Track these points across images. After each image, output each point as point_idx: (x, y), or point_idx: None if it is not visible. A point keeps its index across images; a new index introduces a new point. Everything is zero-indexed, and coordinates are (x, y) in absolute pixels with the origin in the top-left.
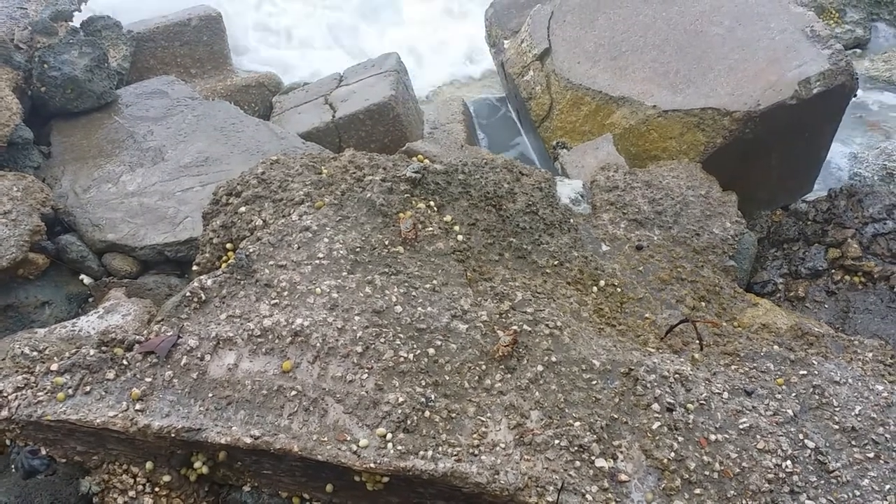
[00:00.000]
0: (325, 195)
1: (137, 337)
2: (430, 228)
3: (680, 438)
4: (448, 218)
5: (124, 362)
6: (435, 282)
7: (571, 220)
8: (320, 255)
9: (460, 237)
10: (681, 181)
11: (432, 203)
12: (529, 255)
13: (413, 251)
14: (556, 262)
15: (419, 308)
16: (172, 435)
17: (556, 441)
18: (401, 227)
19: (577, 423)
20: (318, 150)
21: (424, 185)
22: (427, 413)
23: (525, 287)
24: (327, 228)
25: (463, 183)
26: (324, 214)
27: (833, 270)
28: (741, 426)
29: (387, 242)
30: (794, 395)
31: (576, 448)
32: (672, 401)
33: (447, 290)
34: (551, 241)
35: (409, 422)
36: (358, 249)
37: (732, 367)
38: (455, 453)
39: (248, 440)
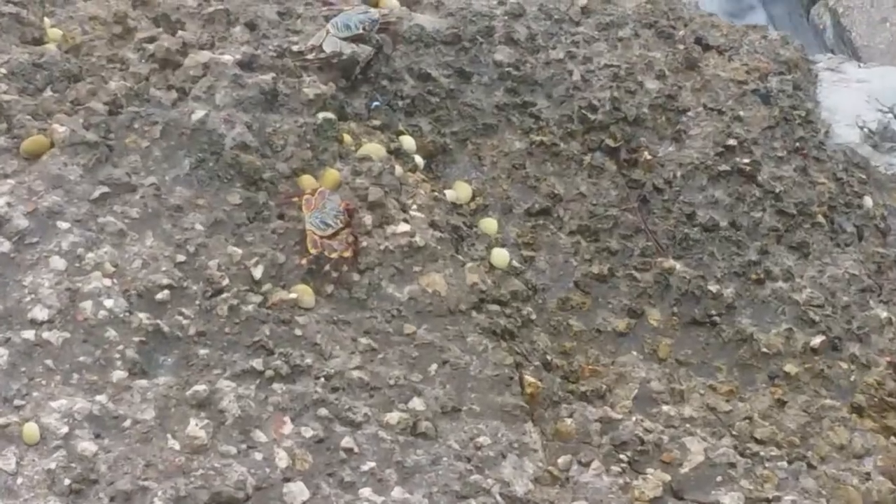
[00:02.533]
0: (58, 112)
1: None
2: (403, 227)
3: None
4: (462, 191)
5: None
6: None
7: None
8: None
9: (512, 262)
10: None
11: (405, 141)
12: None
13: (341, 304)
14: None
15: None
16: None
17: None
18: (306, 225)
19: None
20: None
21: (381, 84)
22: None
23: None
24: (59, 225)
25: (525, 80)
26: (50, 176)
27: None
28: None
29: (258, 274)
30: None
31: None
32: None
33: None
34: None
35: None
36: (161, 297)
37: None
38: None
39: None
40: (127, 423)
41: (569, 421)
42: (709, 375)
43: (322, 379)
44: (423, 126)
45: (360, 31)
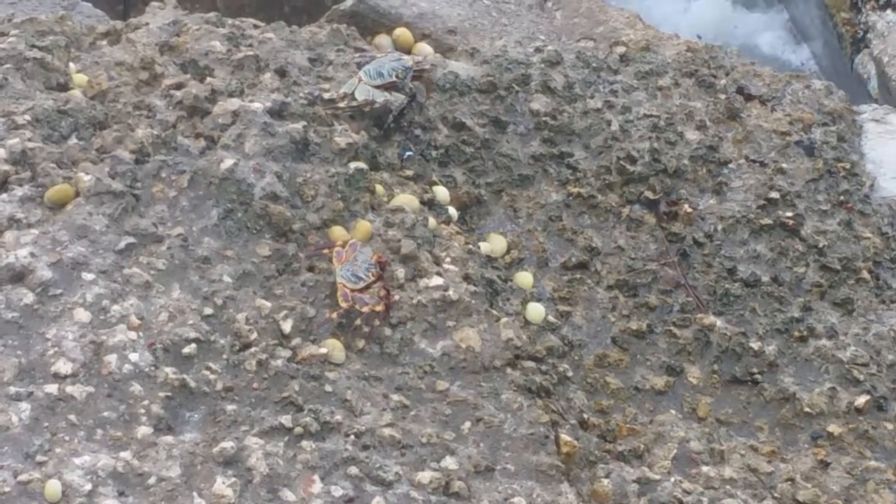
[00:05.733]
0: (83, 161)
1: None
2: (436, 281)
3: None
4: (497, 244)
5: None
6: None
7: None
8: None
9: (550, 317)
10: None
11: (439, 191)
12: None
13: (373, 359)
14: None
15: None
16: None
17: None
18: (337, 278)
19: None
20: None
21: (415, 134)
22: None
23: None
24: (83, 276)
25: (562, 130)
26: (74, 226)
27: None
28: None
29: (288, 328)
30: None
31: None
32: None
33: None
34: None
35: None
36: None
37: None
38: None
39: None
40: (152, 480)
41: (606, 481)
42: (750, 435)
43: (352, 436)
44: (457, 176)
45: (393, 78)
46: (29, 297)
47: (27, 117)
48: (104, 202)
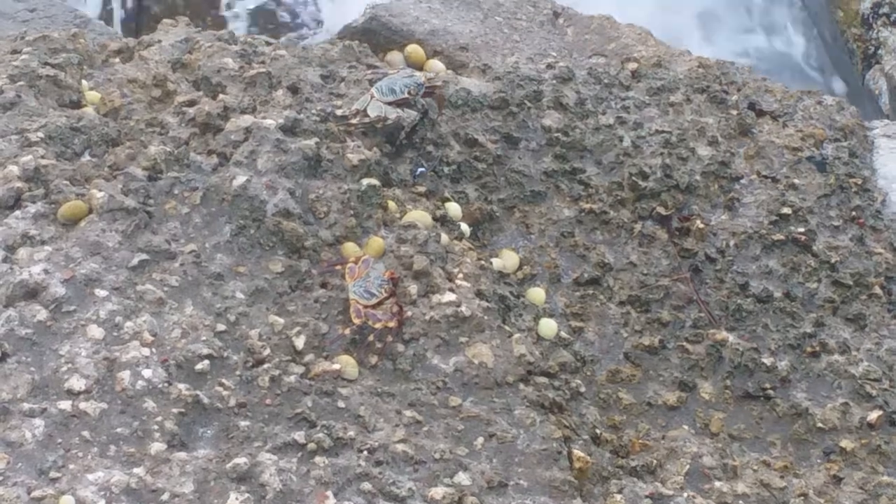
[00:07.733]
0: (96, 178)
1: None
2: (448, 297)
3: None
4: (509, 260)
5: None
6: None
7: None
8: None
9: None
10: None
11: (451, 208)
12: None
13: (385, 375)
14: None
15: None
16: None
17: None
18: (350, 294)
19: None
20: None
21: (427, 150)
22: None
23: None
24: (97, 293)
25: (574, 146)
26: (87, 243)
27: None
28: None
29: (300, 344)
30: None
31: None
32: None
33: None
34: None
35: None
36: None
37: None
38: None
39: None
40: (165, 496)
41: (619, 497)
42: (762, 451)
43: (365, 452)
44: (470, 193)
45: (406, 95)
46: (42, 314)
47: (40, 134)
48: (117, 219)
